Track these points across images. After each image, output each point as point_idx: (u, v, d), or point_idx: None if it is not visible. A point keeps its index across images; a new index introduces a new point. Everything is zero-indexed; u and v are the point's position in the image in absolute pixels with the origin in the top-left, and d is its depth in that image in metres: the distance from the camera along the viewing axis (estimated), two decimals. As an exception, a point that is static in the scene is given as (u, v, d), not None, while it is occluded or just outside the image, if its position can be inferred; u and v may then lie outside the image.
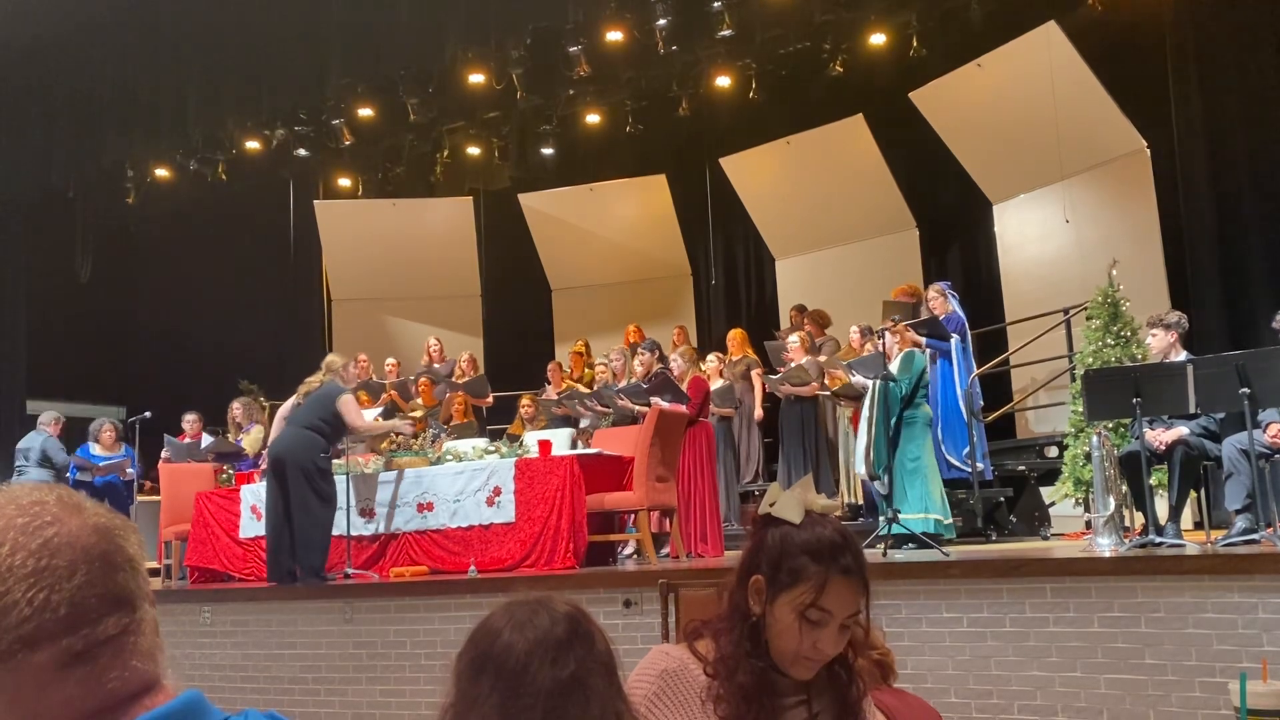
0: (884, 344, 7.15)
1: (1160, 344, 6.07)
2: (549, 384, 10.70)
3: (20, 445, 9.59)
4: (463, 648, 1.41)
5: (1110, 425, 6.65)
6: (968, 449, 8.14)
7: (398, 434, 8.45)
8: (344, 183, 13.50)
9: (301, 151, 12.08)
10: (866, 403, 7.12)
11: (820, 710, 1.86)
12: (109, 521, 1.02)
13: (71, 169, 11.55)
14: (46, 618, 0.94)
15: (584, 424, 9.24)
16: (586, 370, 10.76)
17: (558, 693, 1.32)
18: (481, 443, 8.07)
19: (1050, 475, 8.03)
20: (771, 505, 1.83)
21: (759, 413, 9.74)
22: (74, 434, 10.00)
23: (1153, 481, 5.83)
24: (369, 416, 8.30)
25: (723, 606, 1.86)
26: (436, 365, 11.14)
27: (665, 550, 7.76)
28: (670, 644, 1.91)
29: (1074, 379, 7.67)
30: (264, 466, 8.02)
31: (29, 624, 0.93)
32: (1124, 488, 5.77)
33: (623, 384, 8.99)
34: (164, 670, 1.04)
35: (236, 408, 10.06)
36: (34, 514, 0.98)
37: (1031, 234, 10.39)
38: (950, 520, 7.13)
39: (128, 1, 10.04)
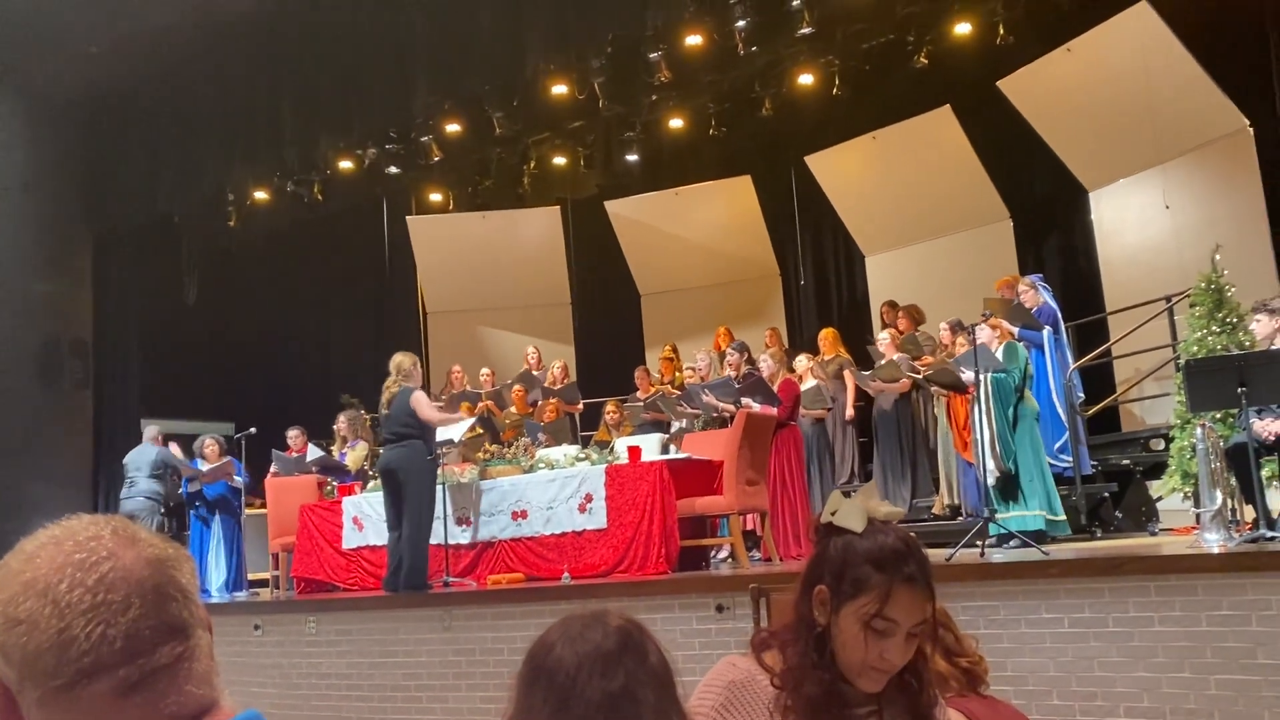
0: (974, 338, 6.99)
1: (1265, 329, 5.85)
2: (637, 389, 10.73)
3: (126, 459, 10.17)
4: (522, 660, 1.43)
5: (1218, 416, 6.42)
6: (1059, 443, 7.91)
7: (472, 430, 8.60)
8: (435, 197, 13.73)
9: (393, 169, 12.31)
10: (980, 398, 6.94)
11: (892, 719, 1.83)
12: (162, 553, 1.07)
13: (176, 195, 11.99)
14: (104, 650, 0.99)
15: (674, 428, 9.24)
16: (677, 374, 10.78)
17: (607, 705, 1.34)
18: (573, 450, 8.14)
19: (1157, 469, 7.77)
20: (833, 514, 1.82)
21: (850, 412, 9.63)
22: (185, 451, 10.43)
23: (1265, 474, 5.61)
24: (463, 426, 8.44)
25: (788, 617, 1.85)
26: (535, 373, 11.30)
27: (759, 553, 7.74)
28: (738, 655, 1.91)
29: (1178, 369, 7.42)
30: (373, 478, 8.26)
31: (88, 657, 0.98)
32: (1232, 481, 5.56)
33: (709, 382, 8.97)
34: (221, 692, 1.08)
35: (342, 421, 10.36)
36: (90, 549, 1.03)
37: (1130, 220, 10.06)
38: (1063, 517, 6.94)
39: (223, 33, 10.39)
